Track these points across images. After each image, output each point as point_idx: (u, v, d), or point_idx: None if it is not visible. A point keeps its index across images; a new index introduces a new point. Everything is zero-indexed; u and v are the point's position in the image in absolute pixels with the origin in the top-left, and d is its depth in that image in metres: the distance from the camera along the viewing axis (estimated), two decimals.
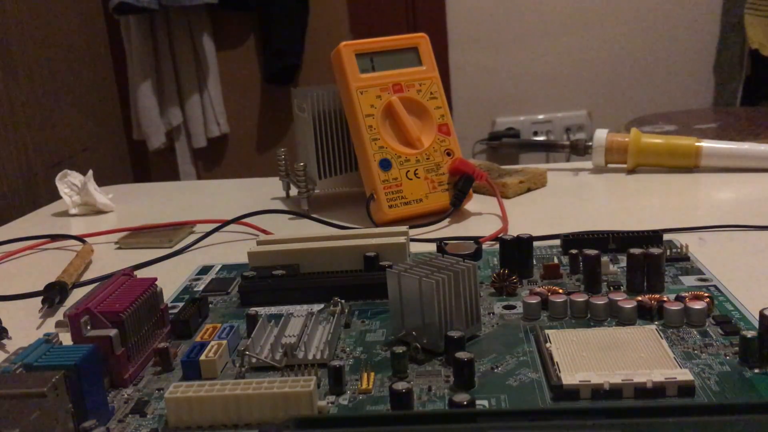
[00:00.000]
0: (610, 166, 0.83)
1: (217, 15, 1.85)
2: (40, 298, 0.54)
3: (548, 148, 1.37)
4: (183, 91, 1.86)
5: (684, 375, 0.34)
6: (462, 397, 0.33)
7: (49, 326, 0.51)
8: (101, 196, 0.83)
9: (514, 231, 0.63)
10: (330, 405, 0.35)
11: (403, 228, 0.55)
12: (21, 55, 1.47)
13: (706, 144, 0.78)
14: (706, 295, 0.43)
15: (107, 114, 1.86)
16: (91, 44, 1.79)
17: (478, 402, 0.34)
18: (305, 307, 0.47)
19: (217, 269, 0.57)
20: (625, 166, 0.82)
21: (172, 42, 1.82)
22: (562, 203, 0.72)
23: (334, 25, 1.89)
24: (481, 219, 0.68)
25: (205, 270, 0.57)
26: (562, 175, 0.83)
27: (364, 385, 0.37)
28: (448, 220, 0.68)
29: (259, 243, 0.55)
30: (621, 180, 0.79)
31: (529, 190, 0.77)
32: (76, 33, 1.71)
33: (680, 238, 0.55)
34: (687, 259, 0.51)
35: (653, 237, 0.52)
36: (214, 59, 1.87)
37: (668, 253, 0.51)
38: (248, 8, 1.85)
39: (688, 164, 0.79)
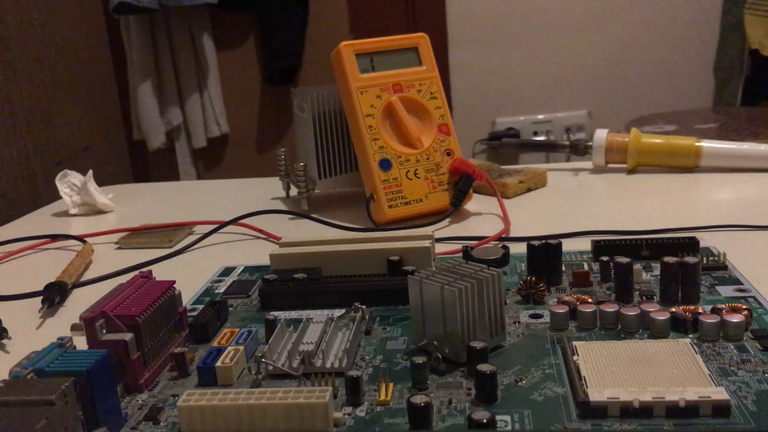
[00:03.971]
0: (610, 166, 0.83)
1: (217, 15, 1.85)
2: (40, 298, 0.53)
3: (548, 148, 1.38)
4: (183, 91, 1.86)
5: (719, 394, 0.32)
6: (482, 415, 0.31)
7: (50, 326, 0.51)
8: (101, 196, 0.83)
9: (514, 231, 0.63)
10: (346, 417, 0.34)
11: (429, 231, 0.54)
12: (21, 55, 1.47)
13: (706, 144, 0.78)
14: (744, 307, 0.41)
15: (107, 114, 1.86)
16: (91, 44, 1.79)
17: (499, 418, 0.33)
18: (326, 312, 0.47)
19: (240, 271, 0.57)
20: (625, 166, 0.82)
21: (172, 42, 1.82)
22: (562, 203, 0.72)
23: (334, 25, 1.89)
24: (481, 219, 0.68)
25: (227, 271, 0.57)
26: (562, 175, 0.83)
27: (382, 397, 0.36)
28: (448, 220, 0.68)
29: (281, 245, 0.54)
30: (621, 180, 0.79)
31: (529, 190, 0.77)
32: (76, 33, 1.71)
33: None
34: (724, 267, 0.49)
35: (689, 244, 0.51)
36: (214, 59, 1.87)
37: (704, 261, 0.48)
38: (248, 8, 1.86)
39: (688, 164, 0.79)
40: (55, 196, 0.86)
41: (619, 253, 0.47)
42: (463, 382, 0.37)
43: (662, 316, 0.40)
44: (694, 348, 0.37)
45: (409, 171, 0.68)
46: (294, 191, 0.77)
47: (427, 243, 0.51)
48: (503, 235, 0.61)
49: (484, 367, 0.35)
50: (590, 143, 0.83)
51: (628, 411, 0.32)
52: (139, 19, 1.77)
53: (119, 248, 0.69)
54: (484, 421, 0.31)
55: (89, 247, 0.66)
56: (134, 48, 1.79)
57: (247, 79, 1.94)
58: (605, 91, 1.93)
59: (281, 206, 0.78)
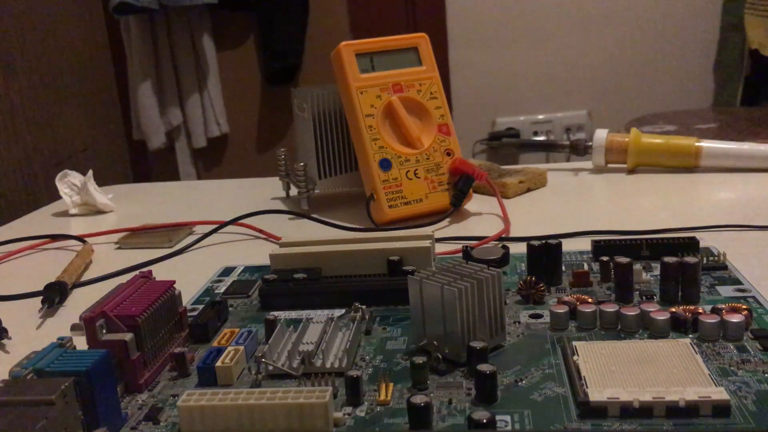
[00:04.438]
0: (610, 166, 0.83)
1: (217, 15, 1.85)
2: (40, 298, 0.53)
3: (548, 148, 1.37)
4: (183, 91, 1.86)
5: (719, 394, 0.32)
6: (482, 415, 0.31)
7: (50, 326, 0.51)
8: (101, 196, 0.83)
9: (514, 231, 0.63)
10: (347, 416, 0.34)
11: (429, 231, 0.54)
12: (21, 55, 1.47)
13: (706, 144, 0.78)
14: (744, 307, 0.41)
15: (107, 114, 1.86)
16: (91, 44, 1.79)
17: (499, 418, 0.33)
18: (325, 311, 0.47)
19: (240, 271, 0.57)
20: (625, 166, 0.82)
21: (172, 42, 1.82)
22: (562, 203, 0.72)
23: (334, 25, 1.89)
24: (481, 219, 0.68)
25: (227, 272, 0.57)
26: (562, 175, 0.83)
27: (382, 397, 0.36)
28: (448, 220, 0.68)
29: (281, 245, 0.54)
30: (621, 180, 0.79)
31: (529, 190, 0.77)
32: (76, 33, 1.71)
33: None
34: (724, 267, 0.49)
35: (689, 243, 0.51)
36: (214, 59, 1.87)
37: (704, 261, 0.48)
38: (248, 8, 1.86)
39: (688, 164, 0.79)
40: (55, 196, 0.86)
41: (619, 253, 0.47)
42: (463, 382, 0.37)
43: (662, 316, 0.40)
44: (694, 348, 0.37)
45: (409, 171, 0.68)
46: (294, 191, 0.77)
47: (427, 243, 0.51)
48: (503, 235, 0.61)
49: (484, 367, 0.35)
50: (590, 143, 0.83)
51: (628, 411, 0.32)
52: (139, 19, 1.77)
53: (119, 248, 0.69)
54: (484, 421, 0.31)
55: (89, 247, 0.66)
56: (134, 48, 1.79)
57: (247, 79, 1.94)
58: (605, 91, 1.94)
59: (281, 206, 0.78)
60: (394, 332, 0.43)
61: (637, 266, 0.47)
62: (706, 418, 0.32)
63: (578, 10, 1.88)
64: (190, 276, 0.56)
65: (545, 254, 0.48)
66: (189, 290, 0.52)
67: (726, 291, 0.46)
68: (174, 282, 0.44)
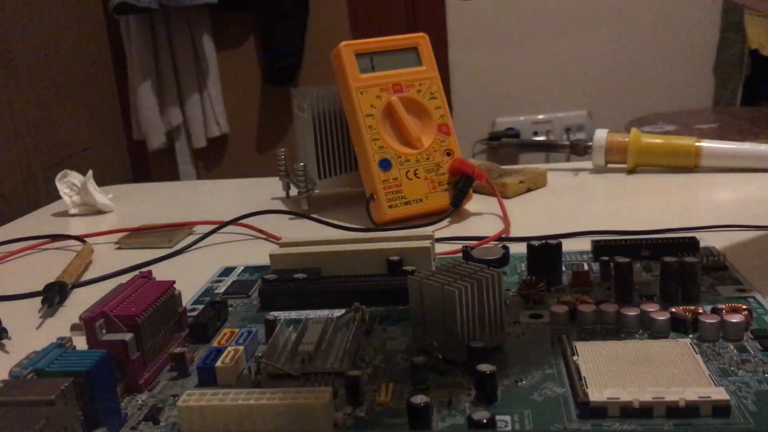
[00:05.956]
0: (610, 166, 0.83)
1: (217, 15, 1.85)
2: (40, 298, 0.53)
3: (548, 148, 1.37)
4: (183, 91, 1.86)
5: (719, 394, 0.32)
6: (482, 415, 0.31)
7: (49, 326, 0.51)
8: (101, 196, 0.83)
9: (514, 231, 0.63)
10: (347, 417, 0.34)
11: (429, 231, 0.54)
12: (21, 55, 1.47)
13: (706, 144, 0.78)
14: (744, 307, 0.41)
15: (107, 114, 1.86)
16: (91, 44, 1.79)
17: (499, 418, 0.33)
18: (325, 312, 0.47)
19: (240, 271, 0.57)
20: (625, 166, 0.81)
21: (172, 42, 1.82)
22: (562, 203, 0.72)
23: (334, 25, 1.89)
24: (481, 219, 0.68)
25: (227, 272, 0.57)
26: (562, 175, 0.83)
27: (382, 397, 0.36)
28: (448, 220, 0.68)
29: (281, 245, 0.54)
30: (621, 180, 0.79)
31: (529, 190, 0.77)
32: (76, 33, 1.71)
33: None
34: (724, 267, 0.49)
35: (689, 244, 0.51)
36: (214, 59, 1.87)
37: (704, 261, 0.48)
38: (248, 8, 1.86)
39: (688, 164, 0.79)
40: (55, 196, 0.86)
41: (619, 253, 0.47)
42: (463, 382, 0.37)
43: (662, 317, 0.40)
44: (694, 348, 0.37)
45: (409, 171, 0.68)
46: (294, 191, 0.77)
47: (427, 243, 0.51)
48: (503, 235, 0.61)
49: (483, 367, 0.35)
50: (590, 143, 0.83)
51: (628, 411, 0.32)
52: (139, 19, 1.77)
53: (119, 248, 0.69)
54: (484, 421, 0.31)
55: (89, 247, 0.66)
56: (134, 48, 1.79)
57: (247, 79, 1.94)
58: (605, 91, 1.94)
59: (281, 206, 0.78)
60: (394, 332, 0.43)
61: (637, 266, 0.47)
62: (706, 419, 0.32)
63: (578, 10, 1.89)
64: (190, 276, 0.56)
65: (545, 254, 0.48)
66: (189, 290, 0.52)
67: (726, 291, 0.46)
68: (174, 282, 0.44)
